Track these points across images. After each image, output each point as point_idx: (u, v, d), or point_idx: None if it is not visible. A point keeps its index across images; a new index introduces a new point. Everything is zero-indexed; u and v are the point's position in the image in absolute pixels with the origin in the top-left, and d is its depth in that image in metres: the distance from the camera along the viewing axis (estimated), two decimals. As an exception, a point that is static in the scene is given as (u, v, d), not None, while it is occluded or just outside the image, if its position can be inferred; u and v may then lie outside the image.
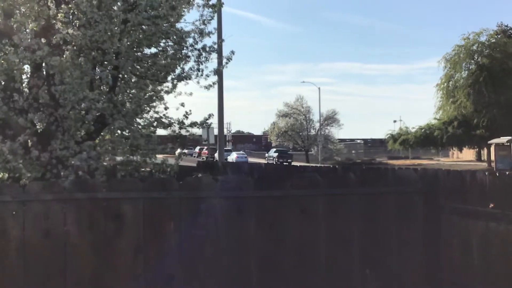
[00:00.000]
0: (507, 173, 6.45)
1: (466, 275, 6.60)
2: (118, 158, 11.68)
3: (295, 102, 79.43)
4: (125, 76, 11.80)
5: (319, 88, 74.77)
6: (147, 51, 12.11)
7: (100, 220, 6.39)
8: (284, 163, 53.68)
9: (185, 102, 12.37)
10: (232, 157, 65.94)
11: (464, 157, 67.70)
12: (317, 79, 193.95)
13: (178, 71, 12.23)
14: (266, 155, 74.37)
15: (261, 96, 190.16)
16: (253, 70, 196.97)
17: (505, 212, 5.97)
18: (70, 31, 10.21)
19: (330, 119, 78.07)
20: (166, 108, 12.84)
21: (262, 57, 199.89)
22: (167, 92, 13.28)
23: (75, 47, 10.69)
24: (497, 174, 6.32)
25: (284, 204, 6.80)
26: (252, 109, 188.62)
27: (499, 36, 60.66)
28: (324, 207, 6.90)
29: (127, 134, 11.67)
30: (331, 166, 13.05)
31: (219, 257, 6.62)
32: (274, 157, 68.16)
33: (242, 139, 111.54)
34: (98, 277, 6.35)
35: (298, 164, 30.27)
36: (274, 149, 74.29)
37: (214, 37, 13.16)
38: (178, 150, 12.34)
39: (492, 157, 50.13)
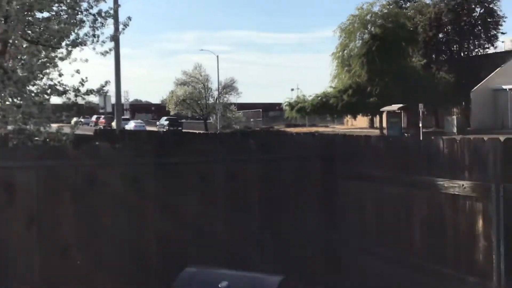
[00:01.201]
0: (399, 136, 6.70)
1: (362, 237, 6.83)
2: (10, 127, 11.18)
3: (194, 70, 78.73)
4: (16, 41, 11.25)
5: (217, 56, 74.55)
6: (39, 15, 11.59)
7: (-10, 190, 6.10)
8: (177, 129, 54.86)
9: (81, 69, 11.94)
10: (130, 125, 64.81)
11: (358, 125, 69.75)
12: (216, 47, 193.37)
13: (72, 36, 11.79)
14: (157, 123, 74.25)
15: (159, 64, 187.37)
16: (151, 38, 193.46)
17: (397, 175, 6.20)
18: (-47, -8, 9.59)
19: (229, 87, 78.10)
20: (60, 75, 12.35)
21: (160, 25, 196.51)
22: (62, 59, 12.76)
23: (-41, 10, 10.07)
24: (390, 139, 6.55)
25: (183, 170, 6.76)
26: (150, 78, 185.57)
27: (391, 7, 62.55)
28: (223, 173, 6.91)
29: (18, 102, 11.18)
30: (230, 132, 13.11)
31: (117, 226, 6.50)
32: (164, 125, 68.64)
33: (140, 108, 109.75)
34: (-10, 250, 6.09)
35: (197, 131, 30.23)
36: (165, 118, 74.57)
37: (110, 3, 12.81)
38: (74, 119, 11.96)
39: (384, 124, 52.00)
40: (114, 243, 6.50)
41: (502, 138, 5.18)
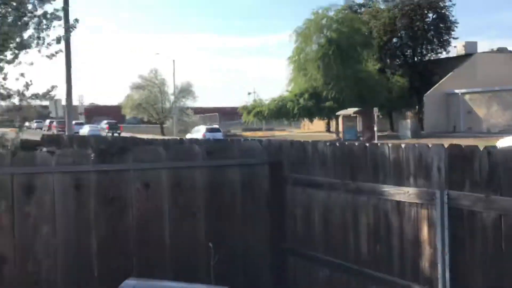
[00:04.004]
0: (346, 143, 6.62)
1: (310, 245, 6.72)
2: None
3: (149, 74, 78.26)
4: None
5: (173, 61, 74.33)
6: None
7: None
8: (114, 134, 53.92)
9: (28, 72, 11.66)
10: (85, 130, 63.80)
11: (315, 128, 70.09)
12: (174, 50, 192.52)
13: (18, 39, 11.46)
14: (98, 127, 73.69)
15: (116, 68, 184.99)
16: (108, 41, 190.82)
17: (344, 182, 6.11)
18: None
19: (185, 91, 77.70)
20: (4, 78, 12.01)
21: (117, 27, 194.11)
22: (9, 62, 12.39)
23: None
24: (337, 144, 6.46)
25: (126, 177, 6.55)
26: (106, 81, 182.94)
27: (346, 12, 63.07)
28: (168, 180, 6.72)
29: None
30: (179, 138, 12.89)
31: (57, 235, 6.26)
32: (104, 129, 68.54)
33: (97, 112, 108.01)
34: None
35: (151, 136, 29.82)
36: (105, 121, 74.17)
37: (56, 4, 12.47)
38: (27, 123, 11.68)
39: (340, 128, 52.35)
40: (53, 252, 6.25)
41: (448, 143, 5.14)
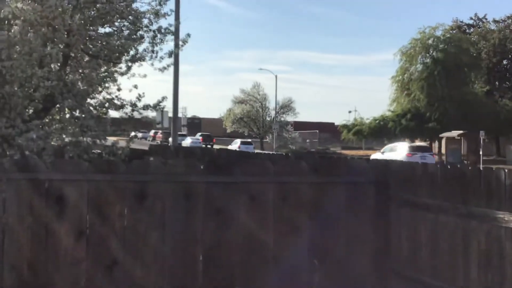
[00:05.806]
0: (458, 165, 6.44)
1: (415, 268, 6.58)
2: (67, 139, 11.33)
3: (252, 89, 79.33)
4: (78, 54, 11.45)
5: (275, 76, 74.55)
6: (101, 30, 11.79)
7: (40, 202, 6.12)
8: (208, 146, 57.11)
9: (139, 84, 12.08)
10: (187, 142, 65.42)
11: (416, 150, 68.61)
12: (275, 66, 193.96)
13: (132, 52, 11.94)
14: (200, 139, 75.14)
15: (218, 82, 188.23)
16: (211, 55, 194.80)
17: (454, 205, 5.95)
18: (19, 5, 9.84)
19: (286, 107, 78.24)
20: (119, 89, 12.51)
21: (220, 42, 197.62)
22: (122, 74, 12.91)
23: (24, 22, 10.31)
24: (448, 167, 6.30)
25: (233, 190, 6.66)
26: (209, 95, 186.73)
27: (454, 32, 61.54)
28: (274, 194, 6.78)
29: (77, 114, 11.34)
30: (284, 153, 12.95)
31: (165, 242, 6.44)
32: (198, 140, 70.52)
33: (198, 124, 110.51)
34: (37, 262, 6.10)
35: (251, 150, 30.30)
36: (200, 133, 76.63)
37: (169, 19, 12.92)
38: (133, 133, 12.10)
39: (443, 150, 50.94)
40: (161, 258, 6.44)
41: None
